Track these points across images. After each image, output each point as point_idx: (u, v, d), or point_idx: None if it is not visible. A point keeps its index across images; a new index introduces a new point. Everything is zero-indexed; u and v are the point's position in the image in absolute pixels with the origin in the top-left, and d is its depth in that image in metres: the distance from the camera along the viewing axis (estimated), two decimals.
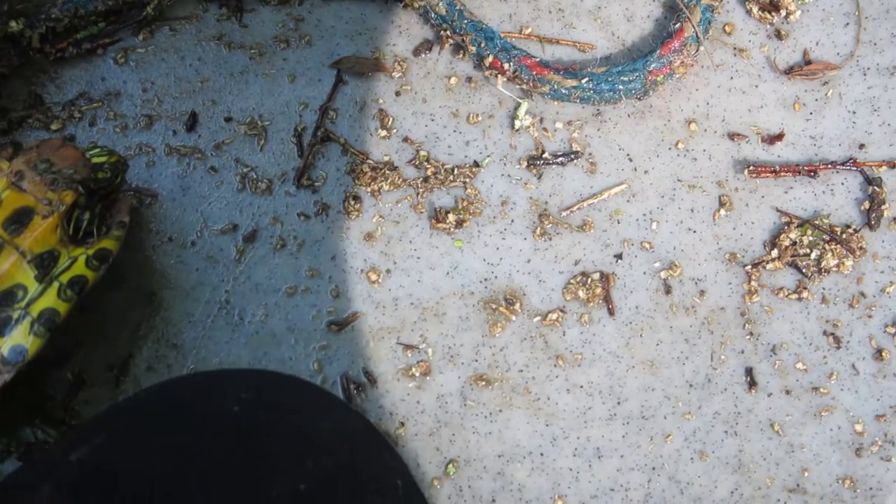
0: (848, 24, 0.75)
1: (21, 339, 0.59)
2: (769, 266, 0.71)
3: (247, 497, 0.38)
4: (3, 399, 0.61)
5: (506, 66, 0.71)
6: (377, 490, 0.42)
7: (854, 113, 0.74)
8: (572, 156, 0.72)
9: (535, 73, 0.71)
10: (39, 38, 0.71)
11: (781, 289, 0.71)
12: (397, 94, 0.74)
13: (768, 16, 0.74)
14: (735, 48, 0.75)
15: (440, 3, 0.72)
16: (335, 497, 0.40)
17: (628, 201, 0.72)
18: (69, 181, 0.61)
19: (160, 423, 0.41)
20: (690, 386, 0.70)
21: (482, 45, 0.71)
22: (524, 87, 0.72)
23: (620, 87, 0.70)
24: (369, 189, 0.72)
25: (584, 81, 0.70)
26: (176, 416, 0.41)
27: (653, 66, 0.71)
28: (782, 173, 0.72)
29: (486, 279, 0.71)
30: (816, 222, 0.71)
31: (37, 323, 0.59)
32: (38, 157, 0.61)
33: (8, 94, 0.72)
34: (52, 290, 0.60)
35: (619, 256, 0.71)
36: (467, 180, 0.72)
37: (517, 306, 0.70)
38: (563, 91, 0.71)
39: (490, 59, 0.71)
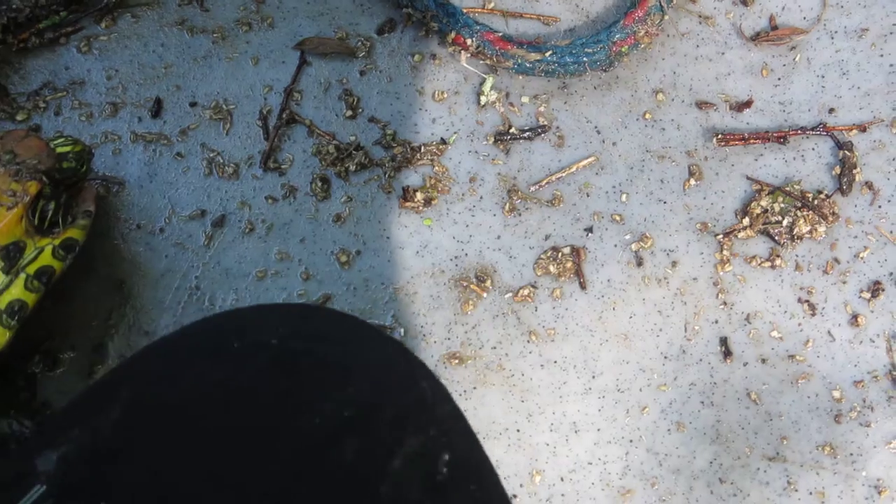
0: None
1: None
2: (741, 235, 0.71)
3: (290, 425, 0.38)
4: None
5: (469, 41, 0.70)
6: (419, 413, 0.42)
7: (823, 77, 0.73)
8: (539, 130, 0.72)
9: (498, 47, 0.70)
10: (1, 28, 0.71)
11: (754, 257, 0.71)
12: (362, 73, 0.73)
13: None
14: (700, 16, 0.74)
15: None
16: (379, 423, 0.40)
17: (597, 174, 0.72)
18: (33, 171, 0.60)
19: (200, 357, 0.41)
20: (665, 357, 0.70)
21: (444, 21, 0.70)
22: (488, 62, 0.71)
23: (585, 59, 0.70)
24: (336, 170, 0.71)
25: (547, 55, 0.70)
26: (215, 350, 0.41)
27: (617, 36, 0.70)
28: (752, 140, 0.71)
29: (456, 257, 0.71)
30: (788, 189, 0.71)
31: (5, 315, 0.59)
32: (2, 149, 0.61)
33: None
34: (20, 282, 0.60)
35: (589, 230, 0.71)
36: (435, 158, 0.71)
37: (488, 283, 0.70)
38: (528, 65, 0.70)
39: (453, 35, 0.70)
